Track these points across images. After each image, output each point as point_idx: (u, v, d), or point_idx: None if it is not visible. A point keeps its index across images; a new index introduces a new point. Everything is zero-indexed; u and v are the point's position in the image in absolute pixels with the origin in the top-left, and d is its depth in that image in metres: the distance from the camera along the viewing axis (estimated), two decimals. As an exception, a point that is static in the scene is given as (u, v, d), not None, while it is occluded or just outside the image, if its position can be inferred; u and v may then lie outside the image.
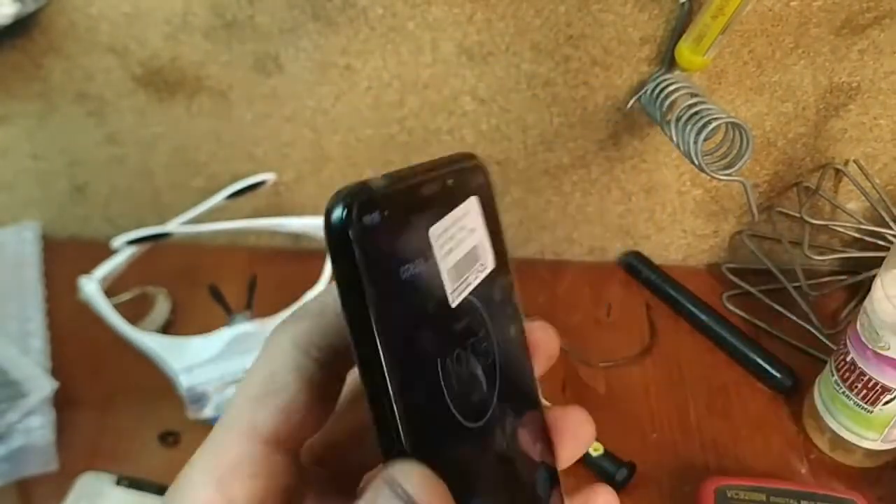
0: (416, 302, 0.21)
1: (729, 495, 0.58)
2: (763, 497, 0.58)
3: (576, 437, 0.26)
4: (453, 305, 0.22)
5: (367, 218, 0.20)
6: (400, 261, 0.20)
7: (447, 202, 0.22)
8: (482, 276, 0.23)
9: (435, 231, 0.22)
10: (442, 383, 0.21)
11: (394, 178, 0.21)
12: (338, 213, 0.20)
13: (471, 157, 0.24)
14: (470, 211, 0.23)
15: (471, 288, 0.23)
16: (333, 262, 0.20)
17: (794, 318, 0.75)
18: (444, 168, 0.23)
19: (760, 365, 0.71)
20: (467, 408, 0.22)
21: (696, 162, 0.61)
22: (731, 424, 0.68)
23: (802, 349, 0.73)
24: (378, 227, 0.20)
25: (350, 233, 0.20)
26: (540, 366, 0.26)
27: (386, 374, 0.20)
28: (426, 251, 0.21)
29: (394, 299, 0.20)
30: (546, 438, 0.25)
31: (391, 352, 0.20)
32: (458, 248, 0.22)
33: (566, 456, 0.25)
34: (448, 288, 0.22)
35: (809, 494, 0.58)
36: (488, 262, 0.23)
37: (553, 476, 0.25)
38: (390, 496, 0.20)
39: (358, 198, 0.20)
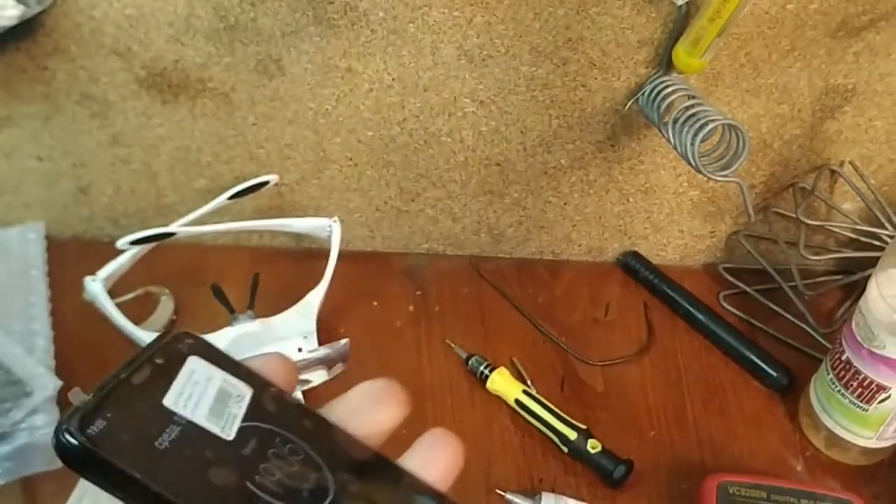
0: (192, 457, 0.23)
1: (731, 492, 0.58)
2: (764, 495, 0.58)
3: (437, 459, 0.26)
4: (231, 438, 0.24)
5: (91, 431, 0.22)
6: (150, 439, 0.23)
7: (167, 374, 0.25)
8: (245, 402, 0.25)
9: (169, 400, 0.24)
10: (266, 496, 0.23)
11: (100, 387, 0.24)
12: (63, 443, 0.22)
13: (168, 333, 0.26)
14: (196, 367, 0.25)
15: (241, 416, 0.25)
16: (96, 483, 0.22)
17: (790, 317, 0.76)
18: (146, 354, 0.25)
19: (757, 364, 0.72)
20: (305, 496, 0.24)
21: (693, 163, 0.62)
22: (727, 422, 0.69)
23: (798, 348, 0.74)
24: (107, 431, 0.22)
25: (85, 452, 0.22)
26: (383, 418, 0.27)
27: None
28: (172, 417, 0.24)
29: (168, 469, 0.22)
30: (407, 481, 0.26)
31: None
32: (204, 397, 0.25)
33: (439, 477, 0.26)
34: (215, 429, 0.24)
35: (809, 493, 0.59)
36: (244, 391, 0.26)
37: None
38: None
39: (72, 422, 0.22)
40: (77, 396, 0.23)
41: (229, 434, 0.24)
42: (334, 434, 0.26)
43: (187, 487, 0.22)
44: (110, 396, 0.23)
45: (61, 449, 0.22)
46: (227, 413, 0.25)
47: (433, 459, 0.26)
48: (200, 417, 0.24)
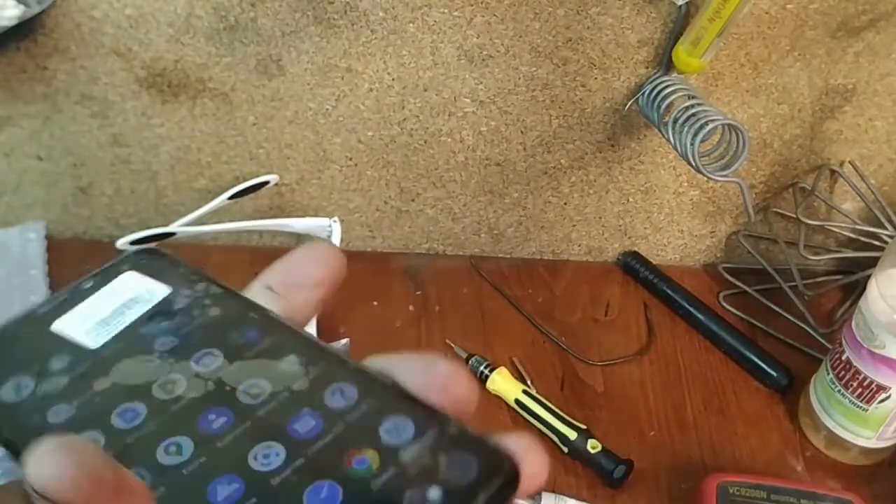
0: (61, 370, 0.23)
1: (731, 492, 0.58)
2: (764, 495, 0.58)
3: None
4: (98, 346, 0.23)
5: None
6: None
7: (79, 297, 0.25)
8: (147, 309, 0.24)
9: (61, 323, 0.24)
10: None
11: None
12: None
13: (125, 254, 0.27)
14: (124, 283, 0.25)
15: (131, 320, 0.24)
16: None
17: (790, 317, 0.76)
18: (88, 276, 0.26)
19: (757, 364, 0.72)
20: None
21: (693, 163, 0.62)
22: (727, 422, 0.69)
23: (798, 348, 0.74)
24: None
25: None
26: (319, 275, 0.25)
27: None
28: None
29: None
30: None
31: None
32: (106, 311, 0.24)
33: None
34: (89, 340, 0.24)
35: (809, 493, 0.59)
36: (152, 295, 0.25)
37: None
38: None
39: None
40: None
41: (101, 341, 0.24)
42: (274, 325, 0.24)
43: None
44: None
45: None
46: (117, 320, 0.24)
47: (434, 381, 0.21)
48: (83, 328, 0.24)
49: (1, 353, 0.24)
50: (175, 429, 0.21)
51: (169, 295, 0.25)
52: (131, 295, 0.25)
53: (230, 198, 0.70)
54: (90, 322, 0.24)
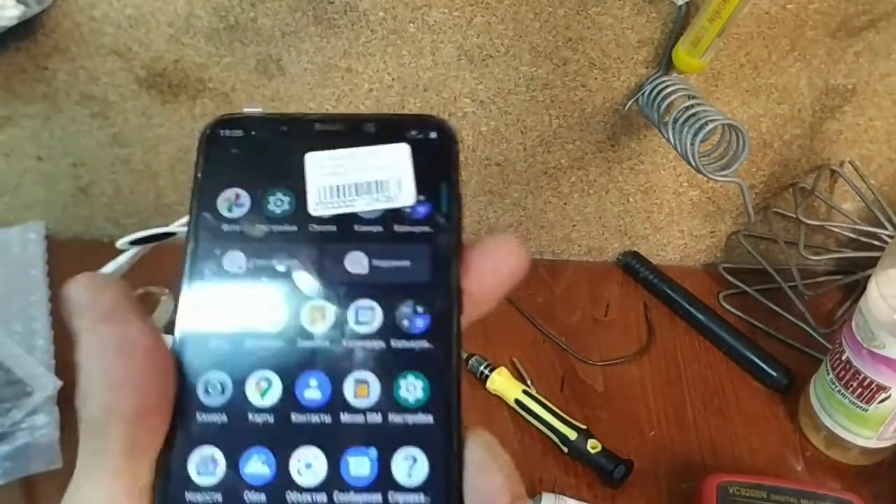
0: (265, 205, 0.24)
1: (731, 492, 0.58)
2: (763, 495, 0.58)
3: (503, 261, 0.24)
4: (314, 213, 0.24)
5: (227, 132, 0.24)
6: (253, 162, 0.24)
7: (348, 142, 0.24)
8: (382, 205, 0.24)
9: (313, 156, 0.24)
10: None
11: (282, 113, 0.25)
12: (209, 124, 0.24)
13: (433, 119, 0.25)
14: (392, 153, 0.24)
15: (353, 209, 0.24)
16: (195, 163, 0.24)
17: (790, 317, 0.76)
18: (377, 115, 0.25)
19: (757, 364, 0.72)
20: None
21: (693, 163, 0.62)
22: (727, 422, 0.69)
23: (798, 348, 0.74)
24: (236, 140, 0.24)
25: (204, 139, 0.24)
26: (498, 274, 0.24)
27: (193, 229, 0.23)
28: (292, 170, 0.24)
29: (226, 178, 0.24)
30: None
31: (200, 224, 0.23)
32: (348, 174, 0.24)
33: (498, 281, 0.24)
34: (311, 199, 0.24)
35: (809, 493, 0.59)
36: (400, 198, 0.24)
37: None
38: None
39: (228, 117, 0.24)
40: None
41: (318, 210, 0.24)
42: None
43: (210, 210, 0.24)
44: (276, 123, 0.24)
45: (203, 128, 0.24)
46: (347, 198, 0.24)
47: (501, 260, 0.23)
48: (318, 184, 0.24)
49: (251, 146, 0.24)
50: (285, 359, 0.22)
51: (411, 207, 0.24)
52: (381, 176, 0.24)
53: (230, 198, 0.69)
54: (330, 179, 0.24)
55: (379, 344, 0.23)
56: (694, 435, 0.68)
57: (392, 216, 0.24)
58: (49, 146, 0.72)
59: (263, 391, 0.22)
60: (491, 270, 0.24)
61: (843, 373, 0.62)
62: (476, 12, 0.64)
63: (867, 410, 0.61)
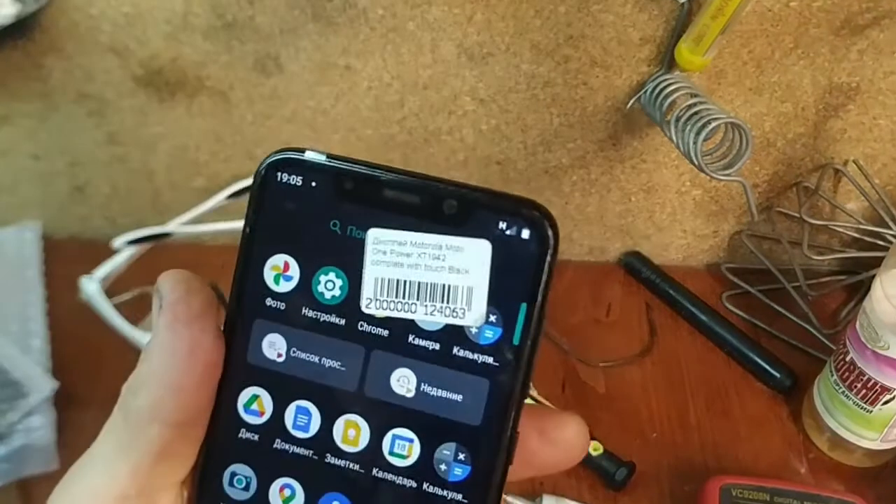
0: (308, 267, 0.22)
1: (734, 494, 0.58)
2: (767, 497, 0.58)
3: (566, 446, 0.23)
4: (366, 310, 0.22)
5: (285, 176, 0.22)
6: (308, 224, 0.22)
7: (420, 220, 0.21)
8: (444, 319, 0.21)
9: (377, 234, 0.21)
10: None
11: (350, 162, 0.22)
12: (264, 165, 0.22)
13: (531, 207, 0.23)
14: (469, 251, 0.21)
15: (411, 316, 0.21)
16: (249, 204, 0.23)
17: (794, 317, 0.75)
18: (463, 192, 0.22)
19: (760, 365, 0.71)
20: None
21: (696, 162, 0.61)
22: (730, 424, 0.68)
23: (802, 349, 0.74)
24: (293, 190, 0.22)
25: (260, 181, 0.22)
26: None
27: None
28: (350, 246, 0.22)
29: (277, 241, 0.22)
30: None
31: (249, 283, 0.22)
32: (413, 269, 0.21)
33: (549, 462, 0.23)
34: (366, 291, 0.21)
35: (812, 496, 0.58)
36: (468, 315, 0.21)
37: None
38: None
39: (287, 159, 0.22)
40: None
41: (369, 307, 0.21)
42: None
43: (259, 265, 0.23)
44: (341, 177, 0.22)
45: (261, 166, 0.22)
46: (406, 301, 0.21)
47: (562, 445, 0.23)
48: (374, 273, 0.21)
49: (309, 202, 0.22)
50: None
51: (477, 328, 0.21)
52: (451, 280, 0.21)
53: (228, 197, 0.69)
54: (391, 271, 0.21)
55: (410, 483, 0.21)
56: (696, 437, 0.67)
57: (454, 334, 0.21)
58: (45, 145, 0.72)
59: (286, 499, 0.21)
60: (557, 456, 0.23)
61: (847, 374, 0.61)
62: (476, 9, 0.64)
63: (871, 412, 0.61)
